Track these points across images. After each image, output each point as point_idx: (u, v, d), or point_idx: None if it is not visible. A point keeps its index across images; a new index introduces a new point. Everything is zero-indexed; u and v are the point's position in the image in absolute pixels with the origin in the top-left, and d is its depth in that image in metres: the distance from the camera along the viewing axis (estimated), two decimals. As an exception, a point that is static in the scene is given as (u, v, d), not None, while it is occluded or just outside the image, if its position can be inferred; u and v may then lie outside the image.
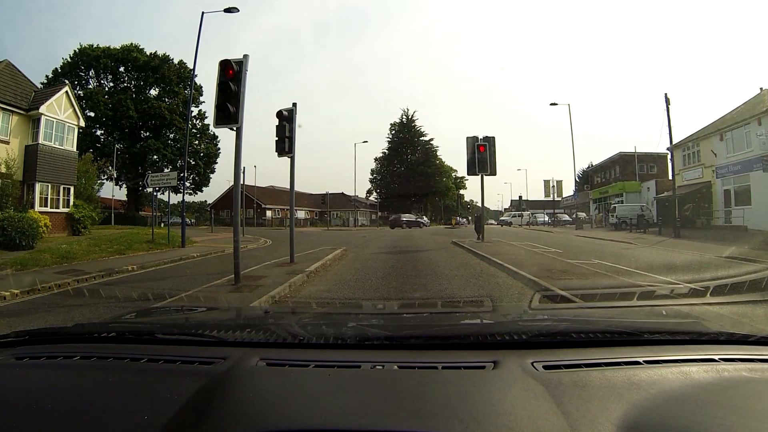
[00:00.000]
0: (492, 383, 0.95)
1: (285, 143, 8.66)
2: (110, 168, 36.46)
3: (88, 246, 13.32)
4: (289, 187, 10.12)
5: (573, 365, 1.02)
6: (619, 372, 1.00)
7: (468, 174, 15.23)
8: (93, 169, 24.03)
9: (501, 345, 1.16)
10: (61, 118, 19.42)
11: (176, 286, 7.37)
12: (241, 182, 8.85)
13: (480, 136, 14.86)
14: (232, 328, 1.42)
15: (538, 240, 16.91)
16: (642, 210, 28.45)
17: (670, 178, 32.00)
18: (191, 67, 19.81)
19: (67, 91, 19.98)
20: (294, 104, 8.99)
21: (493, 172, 15.03)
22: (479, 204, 17.38)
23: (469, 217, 49.74)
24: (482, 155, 14.63)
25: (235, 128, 6.87)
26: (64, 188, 19.62)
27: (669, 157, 31.76)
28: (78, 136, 20.98)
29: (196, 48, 16.07)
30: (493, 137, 14.94)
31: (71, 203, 19.80)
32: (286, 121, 8.75)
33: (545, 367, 1.01)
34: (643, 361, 1.06)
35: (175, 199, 36.60)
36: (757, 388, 0.98)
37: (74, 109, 20.21)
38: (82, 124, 20.99)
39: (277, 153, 8.76)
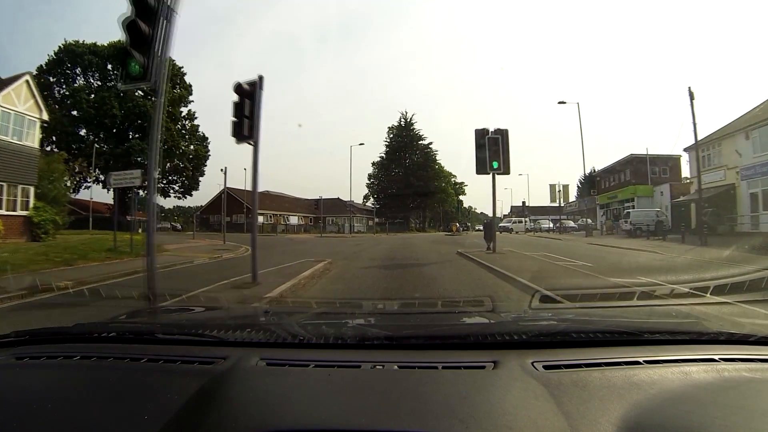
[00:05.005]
0: (492, 383, 0.95)
1: (243, 125, 6.50)
2: (90, 168, 34.34)
3: (35, 254, 11.62)
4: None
5: (573, 365, 1.02)
6: (619, 372, 0.99)
7: (477, 173, 12.99)
8: (61, 168, 21.95)
9: (501, 345, 1.16)
10: (20, 109, 17.46)
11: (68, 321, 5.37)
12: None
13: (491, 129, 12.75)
14: (232, 328, 1.41)
15: (554, 249, 14.84)
16: (658, 215, 26.51)
17: (688, 180, 30.31)
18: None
19: (28, 81, 18.04)
20: (260, 77, 6.75)
21: (507, 171, 12.87)
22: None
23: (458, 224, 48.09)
24: (494, 150, 12.48)
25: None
26: (22, 188, 17.65)
27: (686, 158, 30.03)
28: (58, 135, 19.24)
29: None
30: (506, 129, 12.71)
31: (31, 205, 17.84)
32: (247, 97, 6.54)
33: (545, 367, 1.01)
34: (643, 361, 1.05)
35: (170, 203, 34.69)
36: (757, 388, 0.98)
37: (36, 101, 18.24)
38: (45, 117, 19.03)
39: (234, 138, 6.60)
